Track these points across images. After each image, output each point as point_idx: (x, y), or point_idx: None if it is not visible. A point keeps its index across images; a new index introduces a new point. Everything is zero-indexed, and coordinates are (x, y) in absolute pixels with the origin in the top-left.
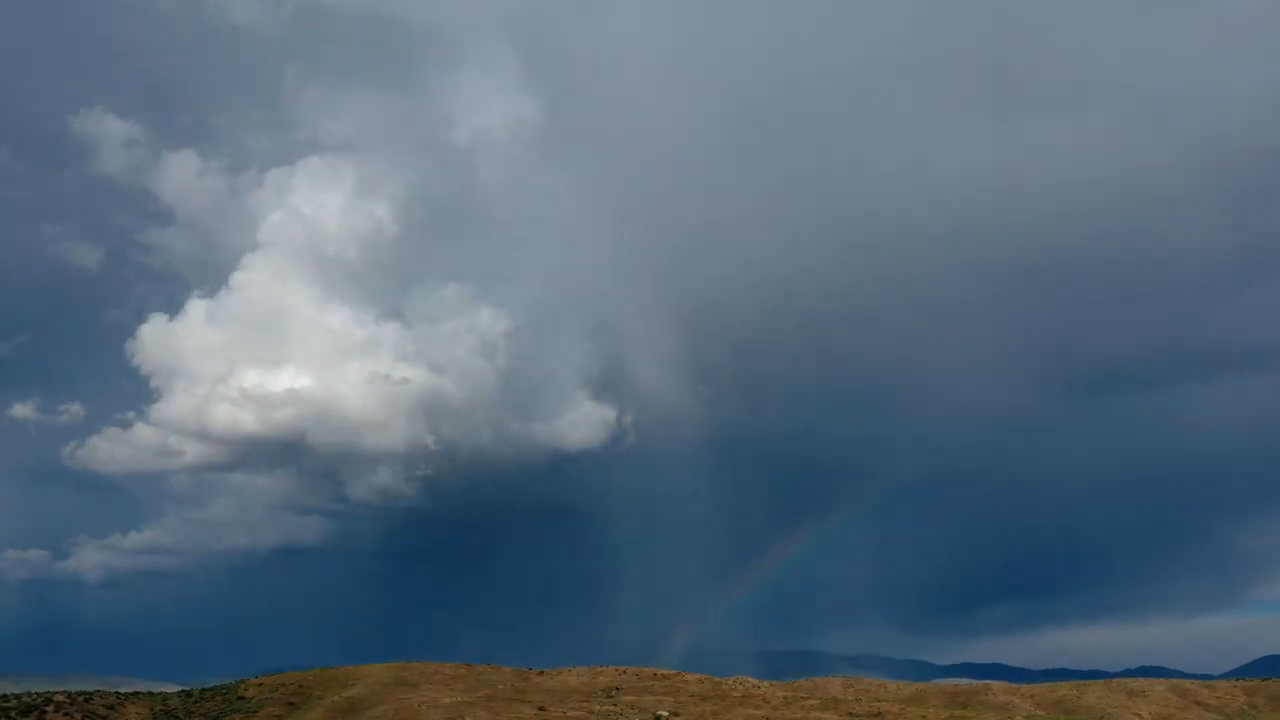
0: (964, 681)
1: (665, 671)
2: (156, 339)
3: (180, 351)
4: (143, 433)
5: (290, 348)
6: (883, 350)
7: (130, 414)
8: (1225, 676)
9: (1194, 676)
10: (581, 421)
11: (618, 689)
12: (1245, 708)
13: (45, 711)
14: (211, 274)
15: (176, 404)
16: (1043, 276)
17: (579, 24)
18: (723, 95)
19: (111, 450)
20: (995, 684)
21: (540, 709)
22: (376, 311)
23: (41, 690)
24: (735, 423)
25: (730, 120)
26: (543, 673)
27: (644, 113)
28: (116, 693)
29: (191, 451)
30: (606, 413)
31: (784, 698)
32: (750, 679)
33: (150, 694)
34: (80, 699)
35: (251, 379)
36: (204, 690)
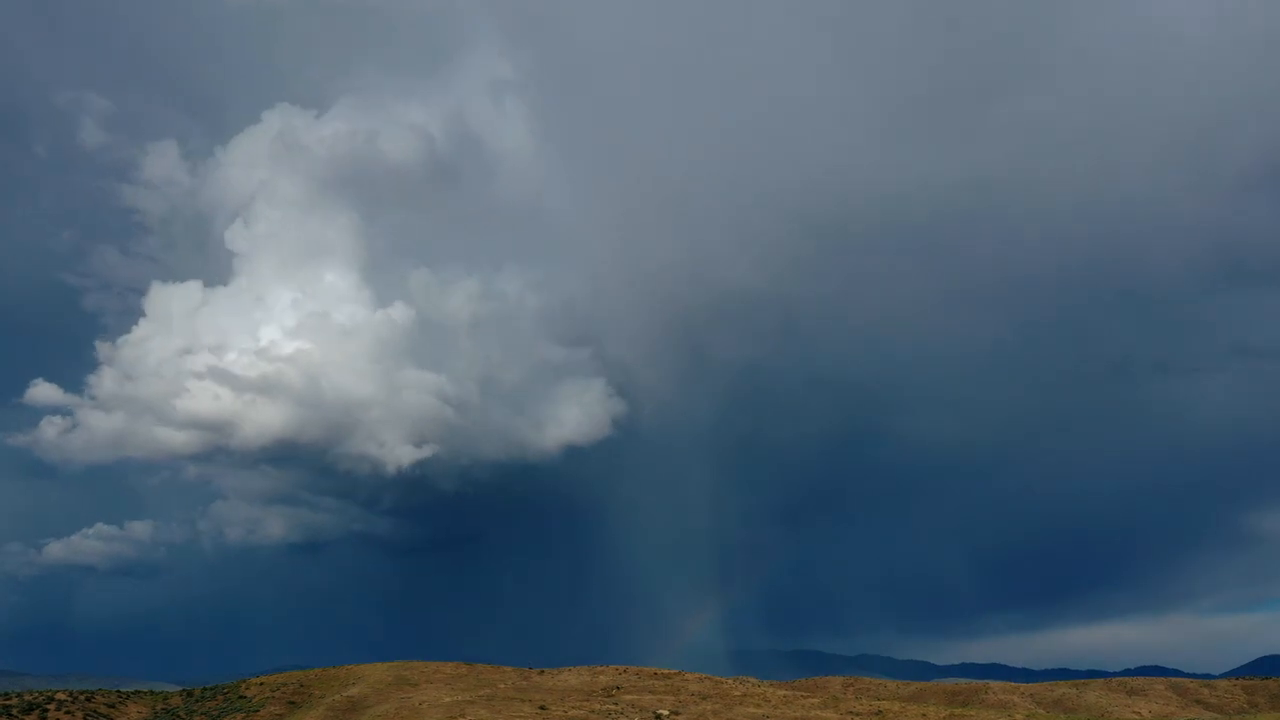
0: (964, 681)
1: (666, 670)
2: (145, 317)
3: (165, 332)
4: (119, 421)
5: (281, 331)
6: (876, 350)
7: (113, 401)
8: (1226, 676)
9: (1195, 676)
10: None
11: (618, 688)
12: (1245, 706)
13: (47, 710)
14: (195, 252)
15: (157, 390)
16: (1036, 273)
17: (571, 20)
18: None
19: (90, 438)
20: (995, 683)
21: (541, 708)
22: (372, 295)
23: (42, 689)
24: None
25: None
26: (543, 672)
27: (631, 110)
28: (118, 691)
29: (176, 440)
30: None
31: (784, 696)
32: (751, 678)
33: (151, 693)
34: (82, 697)
35: (239, 363)
36: (205, 689)
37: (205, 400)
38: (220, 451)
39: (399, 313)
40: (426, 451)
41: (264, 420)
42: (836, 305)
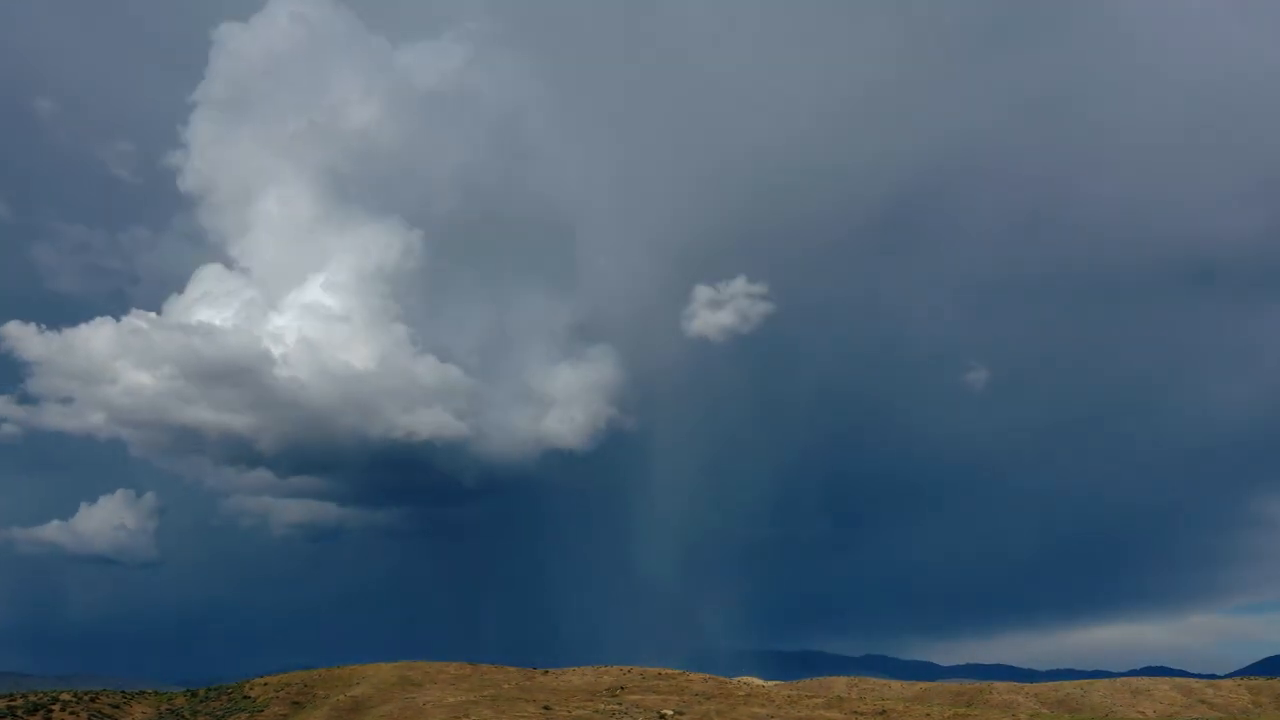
0: (969, 681)
1: (670, 671)
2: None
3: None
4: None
5: (279, 315)
6: (882, 350)
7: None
8: (1230, 676)
9: (1200, 676)
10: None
11: (622, 688)
12: (1250, 706)
13: (51, 710)
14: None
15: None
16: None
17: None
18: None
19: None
20: (999, 683)
21: (545, 708)
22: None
23: (46, 690)
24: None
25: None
26: (547, 672)
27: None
28: (122, 692)
29: (169, 424)
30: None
31: (788, 697)
32: (755, 679)
33: (156, 693)
34: (86, 698)
35: (235, 345)
36: (209, 689)
37: (194, 384)
38: (210, 437)
39: (403, 295)
40: (436, 442)
41: (260, 406)
42: (840, 301)
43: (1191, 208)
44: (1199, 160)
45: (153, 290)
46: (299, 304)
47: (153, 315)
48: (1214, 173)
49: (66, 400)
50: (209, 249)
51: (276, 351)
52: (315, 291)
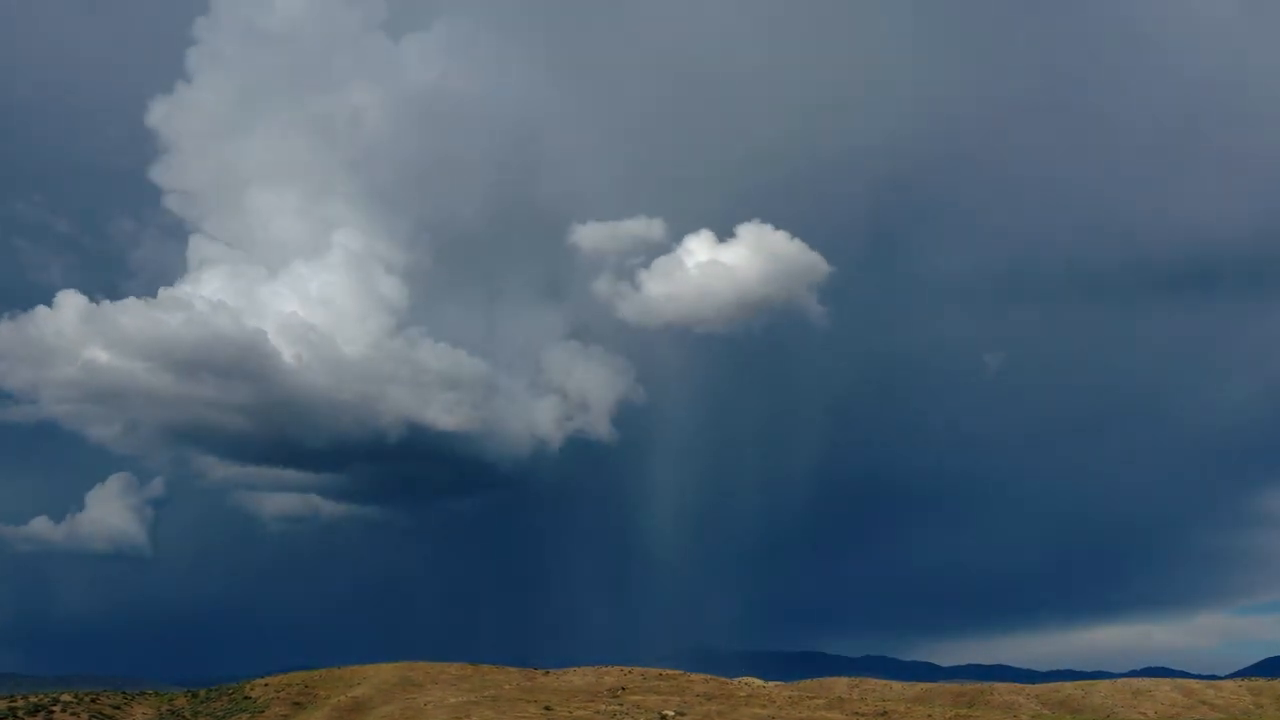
0: (970, 682)
1: (671, 671)
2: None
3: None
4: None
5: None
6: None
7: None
8: (1231, 677)
9: (1200, 677)
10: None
11: (623, 689)
12: (1251, 707)
13: (52, 711)
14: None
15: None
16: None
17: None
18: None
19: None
20: (1000, 684)
21: (546, 709)
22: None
23: (47, 690)
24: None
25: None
26: (548, 673)
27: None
28: (123, 693)
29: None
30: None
31: (789, 697)
32: (755, 679)
33: (157, 694)
34: (87, 699)
35: (230, 329)
36: (210, 690)
37: (188, 372)
38: (203, 427)
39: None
40: (435, 435)
41: (258, 398)
42: (844, 299)
43: (1200, 204)
44: (1208, 156)
45: (138, 278)
46: (295, 291)
47: (142, 300)
48: (1221, 169)
49: (36, 389)
50: (196, 234)
51: (273, 338)
52: (311, 278)
